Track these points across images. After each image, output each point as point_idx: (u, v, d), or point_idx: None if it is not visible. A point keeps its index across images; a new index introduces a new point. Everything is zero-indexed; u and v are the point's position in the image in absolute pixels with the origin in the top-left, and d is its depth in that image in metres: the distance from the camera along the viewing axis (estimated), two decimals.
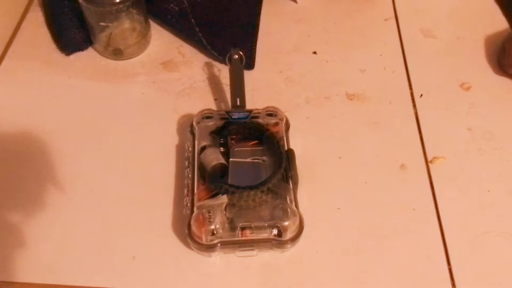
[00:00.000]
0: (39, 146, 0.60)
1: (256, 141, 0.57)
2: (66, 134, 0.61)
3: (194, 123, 0.57)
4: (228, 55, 0.59)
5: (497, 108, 0.65)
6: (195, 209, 0.50)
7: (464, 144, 0.61)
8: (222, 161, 0.53)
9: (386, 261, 0.52)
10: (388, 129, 0.62)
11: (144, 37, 0.69)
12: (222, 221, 0.49)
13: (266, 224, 0.49)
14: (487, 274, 0.51)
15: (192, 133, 0.57)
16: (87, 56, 0.69)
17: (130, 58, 0.69)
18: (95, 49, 0.70)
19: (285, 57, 0.70)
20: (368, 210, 0.55)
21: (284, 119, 0.58)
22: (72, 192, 0.56)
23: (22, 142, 0.60)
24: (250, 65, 0.68)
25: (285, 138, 0.56)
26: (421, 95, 0.66)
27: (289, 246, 0.50)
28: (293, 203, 0.51)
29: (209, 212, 0.49)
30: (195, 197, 0.51)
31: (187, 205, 0.52)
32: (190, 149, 0.56)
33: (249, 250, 0.50)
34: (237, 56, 0.58)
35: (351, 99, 0.65)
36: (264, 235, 0.49)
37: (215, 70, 0.68)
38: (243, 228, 0.49)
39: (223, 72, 0.68)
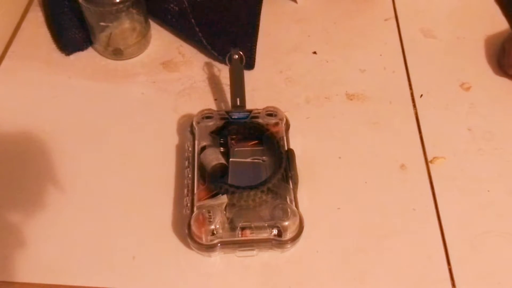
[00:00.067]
0: (39, 146, 0.60)
1: (256, 141, 0.57)
2: (66, 134, 0.61)
3: (194, 123, 0.57)
4: (228, 55, 0.59)
5: (497, 108, 0.65)
6: (195, 209, 0.50)
7: (464, 144, 0.61)
8: (222, 161, 0.53)
9: (386, 261, 0.52)
10: (388, 129, 0.62)
11: (144, 37, 0.69)
12: (222, 221, 0.49)
13: (266, 224, 0.49)
14: (487, 274, 0.51)
15: (192, 133, 0.57)
16: (87, 56, 0.69)
17: (130, 58, 0.69)
18: (95, 49, 0.70)
19: (285, 57, 0.70)
20: (368, 210, 0.55)
21: (284, 119, 0.58)
22: (72, 192, 0.56)
23: (22, 142, 0.60)
24: (250, 65, 0.68)
25: (285, 138, 0.56)
26: (421, 95, 0.66)
27: (289, 246, 0.50)
28: (293, 203, 0.51)
29: (209, 212, 0.49)
30: (195, 197, 0.51)
31: (187, 205, 0.52)
32: (190, 149, 0.56)
33: (249, 250, 0.50)
34: (237, 56, 0.58)
35: (351, 99, 0.65)
36: (264, 235, 0.49)
37: (215, 70, 0.68)
38: (243, 228, 0.49)
39: (223, 72, 0.68)
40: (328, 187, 0.57)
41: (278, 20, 0.75)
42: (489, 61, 0.70)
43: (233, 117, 0.57)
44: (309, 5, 0.77)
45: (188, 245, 0.51)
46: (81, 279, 0.50)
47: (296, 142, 0.58)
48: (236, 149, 0.56)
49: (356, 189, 0.57)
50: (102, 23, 0.65)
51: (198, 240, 0.49)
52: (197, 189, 0.52)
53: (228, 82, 0.60)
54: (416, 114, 0.64)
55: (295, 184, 0.53)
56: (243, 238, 0.49)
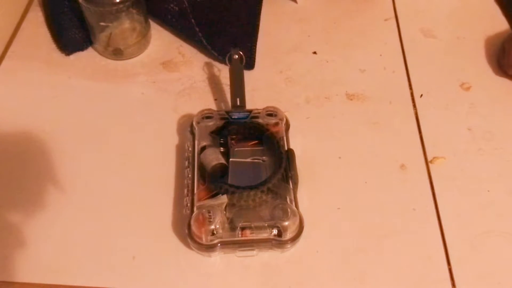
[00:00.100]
0: (39, 146, 0.60)
1: (256, 141, 0.57)
2: (66, 134, 0.61)
3: (194, 123, 0.57)
4: (228, 55, 0.59)
5: (497, 108, 0.65)
6: (195, 209, 0.50)
7: (464, 144, 0.61)
8: (222, 161, 0.53)
9: (386, 261, 0.52)
10: (388, 129, 0.62)
11: (144, 37, 0.69)
12: (222, 221, 0.49)
13: (266, 224, 0.49)
14: (487, 274, 0.51)
15: (192, 133, 0.57)
16: (87, 56, 0.69)
17: (130, 58, 0.69)
18: (95, 49, 0.70)
19: (285, 57, 0.70)
20: (368, 210, 0.55)
21: (284, 119, 0.58)
22: (72, 192, 0.56)
23: (22, 142, 0.60)
24: (250, 65, 0.68)
25: (285, 138, 0.56)
26: (421, 95, 0.66)
27: (289, 246, 0.50)
28: (293, 203, 0.51)
29: (209, 212, 0.49)
30: (195, 197, 0.51)
31: (187, 205, 0.52)
32: (190, 149, 0.56)
33: (249, 250, 0.50)
34: (237, 56, 0.58)
35: (351, 99, 0.65)
36: (264, 235, 0.49)
37: (215, 70, 0.68)
38: (243, 228, 0.49)
39: (223, 72, 0.68)
40: (328, 187, 0.57)
41: (278, 20, 0.75)
42: (489, 61, 0.70)
43: (233, 117, 0.57)
44: (309, 5, 0.77)
45: (188, 245, 0.51)
46: (81, 279, 0.50)
47: (296, 142, 0.58)
48: (236, 149, 0.56)
49: (356, 189, 0.57)
50: (102, 23, 0.65)
51: (198, 240, 0.49)
52: (197, 189, 0.52)
53: (228, 82, 0.60)
54: (416, 114, 0.64)
55: (295, 184, 0.53)
56: (243, 238, 0.49)
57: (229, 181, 0.52)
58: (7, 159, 0.59)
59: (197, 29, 0.68)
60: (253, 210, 0.51)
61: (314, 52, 0.71)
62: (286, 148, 0.55)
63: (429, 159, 0.60)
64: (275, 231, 0.49)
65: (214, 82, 0.67)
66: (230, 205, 0.50)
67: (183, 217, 0.52)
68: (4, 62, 0.68)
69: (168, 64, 0.69)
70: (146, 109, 0.64)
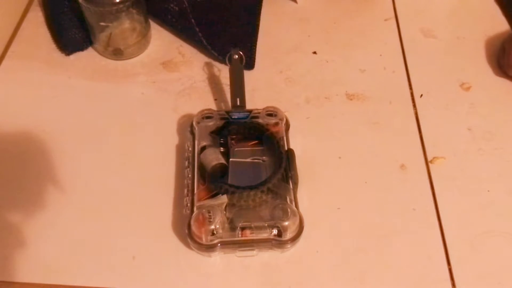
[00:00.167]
0: (39, 146, 0.60)
1: (256, 141, 0.57)
2: (66, 134, 0.61)
3: (194, 123, 0.57)
4: (228, 55, 0.59)
5: (497, 108, 0.65)
6: (195, 209, 0.50)
7: (464, 144, 0.61)
8: (222, 161, 0.53)
9: (386, 261, 0.52)
10: (388, 129, 0.62)
11: (144, 37, 0.69)
12: (222, 221, 0.49)
13: (266, 224, 0.49)
14: (487, 274, 0.51)
15: (192, 133, 0.57)
16: (87, 56, 0.69)
17: (130, 58, 0.69)
18: (95, 49, 0.70)
19: (285, 57, 0.70)
20: (368, 210, 0.55)
21: (284, 119, 0.58)
22: (72, 192, 0.56)
23: (22, 142, 0.60)
24: (250, 65, 0.68)
25: (285, 138, 0.56)
26: (421, 95, 0.66)
27: (289, 246, 0.50)
28: (293, 203, 0.51)
29: (209, 212, 0.49)
30: (195, 197, 0.51)
31: (187, 205, 0.52)
32: (190, 149, 0.56)
33: (249, 250, 0.50)
34: (237, 56, 0.58)
35: (351, 99, 0.65)
36: (264, 235, 0.49)
37: (215, 70, 0.68)
38: (243, 228, 0.49)
39: (223, 72, 0.68)
40: (328, 187, 0.57)
41: (278, 20, 0.75)
42: (489, 61, 0.70)
43: (233, 117, 0.57)
44: (309, 5, 0.77)
45: (188, 245, 0.51)
46: (81, 279, 0.50)
47: (296, 142, 0.58)
48: (236, 149, 0.56)
49: (356, 189, 0.57)
50: (102, 23, 0.65)
51: (198, 240, 0.49)
52: (197, 189, 0.52)
53: (228, 82, 0.60)
54: (416, 114, 0.64)
55: (295, 184, 0.53)
56: (243, 238, 0.49)
57: (229, 181, 0.52)
58: (7, 159, 0.59)
59: (197, 29, 0.68)
60: (253, 210, 0.51)
61: (314, 52, 0.71)
62: (286, 148, 0.55)
63: (429, 159, 0.60)
64: (275, 231, 0.49)
65: (214, 82, 0.67)
66: (230, 205, 0.50)
67: (183, 217, 0.52)
68: (4, 62, 0.68)
69: (168, 64, 0.69)
70: (146, 109, 0.64)
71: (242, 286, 0.50)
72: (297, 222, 0.49)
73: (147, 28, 0.69)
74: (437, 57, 0.71)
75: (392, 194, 0.57)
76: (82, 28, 0.69)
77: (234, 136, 0.57)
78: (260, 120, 0.57)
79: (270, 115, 0.58)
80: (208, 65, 0.69)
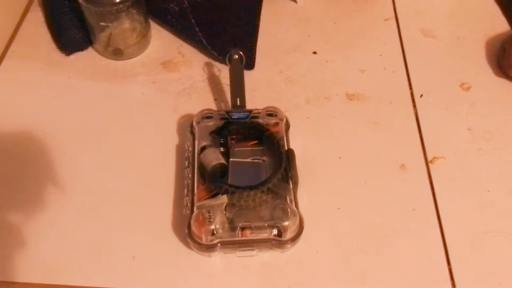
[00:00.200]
0: (39, 146, 0.60)
1: (256, 141, 0.57)
2: (66, 134, 0.61)
3: (194, 123, 0.57)
4: (228, 55, 0.59)
5: (497, 108, 0.65)
6: (195, 209, 0.50)
7: (464, 144, 0.61)
8: (222, 161, 0.53)
9: (386, 261, 0.52)
10: (388, 129, 0.62)
11: (144, 37, 0.69)
12: (222, 221, 0.49)
13: (266, 224, 0.49)
14: (487, 274, 0.51)
15: (192, 133, 0.57)
16: (87, 56, 0.69)
17: (130, 58, 0.69)
18: (95, 49, 0.70)
19: (285, 57, 0.70)
20: (368, 210, 0.55)
21: (284, 119, 0.58)
22: (72, 192, 0.56)
23: (22, 142, 0.60)
24: (250, 65, 0.68)
25: (285, 138, 0.56)
26: (421, 95, 0.66)
27: (289, 246, 0.50)
28: (293, 203, 0.51)
29: (209, 212, 0.49)
30: (195, 197, 0.51)
31: (187, 205, 0.52)
32: (190, 149, 0.56)
33: (249, 250, 0.50)
34: (237, 56, 0.58)
35: (351, 99, 0.65)
36: (264, 235, 0.49)
37: (215, 70, 0.68)
38: (243, 228, 0.49)
39: (223, 72, 0.68)
40: (328, 187, 0.57)
41: (278, 20, 0.75)
42: (489, 61, 0.70)
43: (233, 117, 0.57)
44: (309, 5, 0.77)
45: (188, 245, 0.51)
46: (81, 279, 0.50)
47: (296, 142, 0.58)
48: (236, 149, 0.56)
49: (356, 189, 0.57)
50: (102, 23, 0.65)
51: (198, 240, 0.49)
52: (197, 189, 0.52)
53: (228, 82, 0.60)
54: (416, 114, 0.64)
55: (295, 184, 0.53)
56: (243, 238, 0.49)
57: (229, 181, 0.52)
58: (7, 159, 0.59)
59: (197, 29, 0.68)
60: (253, 210, 0.51)
61: (314, 52, 0.71)
62: (286, 148, 0.55)
63: (429, 159, 0.60)
64: (275, 231, 0.49)
65: (214, 82, 0.67)
66: (230, 205, 0.50)
67: (183, 217, 0.52)
68: (4, 62, 0.68)
69: (168, 64, 0.69)
70: (146, 109, 0.64)
71: (242, 286, 0.50)
72: (297, 222, 0.49)
73: (147, 28, 0.69)
74: (437, 57, 0.71)
75: (392, 194, 0.57)
76: (82, 28, 0.69)
77: (234, 136, 0.57)
78: (260, 120, 0.57)
79: (270, 115, 0.58)
80: (208, 65, 0.69)
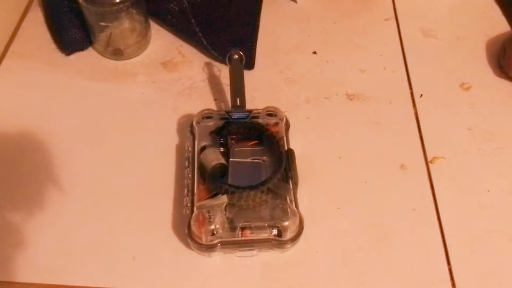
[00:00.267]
0: (39, 146, 0.60)
1: (256, 141, 0.57)
2: (66, 134, 0.61)
3: (194, 123, 0.57)
4: (228, 55, 0.59)
5: (497, 108, 0.65)
6: (195, 209, 0.50)
7: (464, 144, 0.61)
8: (222, 161, 0.53)
9: (386, 261, 0.52)
10: (388, 129, 0.62)
11: (144, 37, 0.69)
12: (222, 221, 0.49)
13: (266, 224, 0.49)
14: (487, 274, 0.51)
15: (192, 133, 0.57)
16: (87, 56, 0.69)
17: (130, 58, 0.69)
18: (95, 49, 0.70)
19: (285, 57, 0.70)
20: (368, 210, 0.55)
21: (284, 119, 0.58)
22: (72, 192, 0.56)
23: (22, 142, 0.60)
24: (250, 65, 0.68)
25: (285, 138, 0.56)
26: (421, 95, 0.66)
27: (289, 246, 0.50)
28: (293, 203, 0.51)
29: (209, 212, 0.49)
30: (195, 197, 0.51)
31: (187, 205, 0.52)
32: (190, 149, 0.56)
33: (249, 250, 0.50)
34: (237, 56, 0.58)
35: (351, 99, 0.65)
36: (264, 235, 0.49)
37: (215, 70, 0.68)
38: (243, 228, 0.49)
39: (223, 72, 0.68)
40: (328, 187, 0.57)
41: (278, 20, 0.75)
42: (489, 61, 0.70)
43: (233, 117, 0.57)
44: (309, 5, 0.77)
45: (188, 245, 0.51)
46: (81, 279, 0.50)
47: (296, 142, 0.58)
48: (236, 149, 0.56)
49: (356, 189, 0.57)
50: (102, 23, 0.65)
51: (198, 240, 0.49)
52: (197, 189, 0.52)
53: (228, 82, 0.60)
54: (416, 114, 0.64)
55: (295, 184, 0.53)
56: (243, 238, 0.49)
57: (229, 181, 0.52)
58: (7, 159, 0.59)
59: (197, 29, 0.68)
60: (253, 210, 0.51)
61: (314, 52, 0.71)
62: (286, 148, 0.55)
63: (429, 159, 0.60)
64: (275, 231, 0.49)
65: (214, 82, 0.67)
66: (230, 205, 0.50)
67: (183, 217, 0.52)
68: (4, 62, 0.68)
69: (168, 64, 0.69)
70: (146, 109, 0.64)
71: (242, 286, 0.50)
72: (297, 222, 0.49)
73: (147, 28, 0.69)
74: (437, 57, 0.71)
75: (392, 194, 0.57)
76: (82, 28, 0.69)
77: (234, 136, 0.57)
78: (260, 120, 0.57)
79: (270, 115, 0.58)
80: (208, 65, 0.69)
